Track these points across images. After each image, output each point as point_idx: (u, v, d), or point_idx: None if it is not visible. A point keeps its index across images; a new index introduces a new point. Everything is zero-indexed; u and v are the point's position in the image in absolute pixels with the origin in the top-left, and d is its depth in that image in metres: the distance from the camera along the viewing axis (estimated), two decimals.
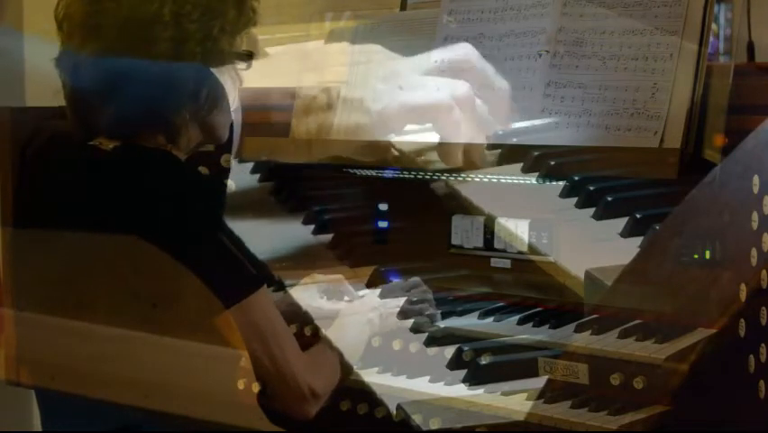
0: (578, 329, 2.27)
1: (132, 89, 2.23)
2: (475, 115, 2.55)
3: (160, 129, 2.24)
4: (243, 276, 2.25)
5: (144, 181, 2.24)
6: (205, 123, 2.29)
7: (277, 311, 2.25)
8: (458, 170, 2.59)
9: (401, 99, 2.59)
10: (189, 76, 2.24)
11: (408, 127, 2.62)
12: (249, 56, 2.33)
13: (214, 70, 2.28)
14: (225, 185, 2.53)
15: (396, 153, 2.65)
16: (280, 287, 2.76)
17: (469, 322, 2.46)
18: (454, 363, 2.39)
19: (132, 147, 2.24)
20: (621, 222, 2.36)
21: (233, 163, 2.78)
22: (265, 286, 2.25)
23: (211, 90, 2.27)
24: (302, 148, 2.80)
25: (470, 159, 2.56)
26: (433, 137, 2.59)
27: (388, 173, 2.68)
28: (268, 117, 2.71)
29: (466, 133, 2.55)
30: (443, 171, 2.60)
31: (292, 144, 2.81)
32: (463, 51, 2.59)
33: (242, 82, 2.36)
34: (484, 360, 2.34)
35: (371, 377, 2.43)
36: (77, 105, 2.27)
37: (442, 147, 2.57)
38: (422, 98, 2.57)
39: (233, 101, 2.37)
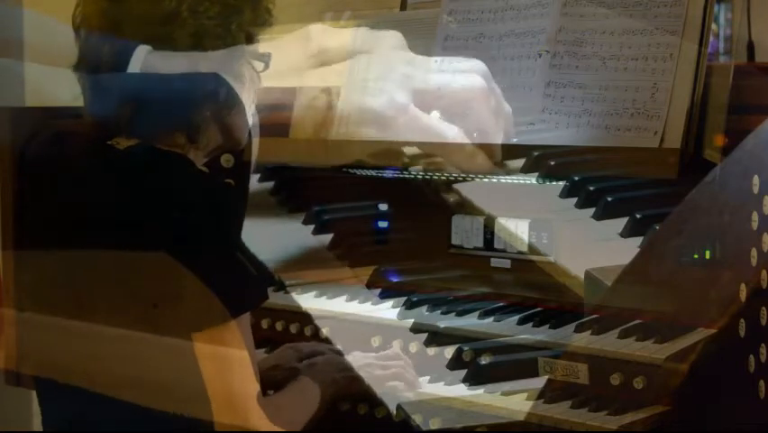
0: (578, 329, 2.27)
1: (152, 89, 2.22)
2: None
3: (180, 128, 2.24)
4: (248, 287, 2.24)
5: (150, 183, 2.23)
6: (225, 123, 2.28)
7: (252, 340, 2.23)
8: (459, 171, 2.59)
9: (438, 81, 2.57)
10: (209, 75, 2.24)
11: (435, 114, 2.61)
12: (267, 56, 2.32)
13: (233, 70, 2.28)
14: (238, 193, 2.52)
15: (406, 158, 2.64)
16: (280, 287, 2.76)
17: (469, 322, 2.46)
18: (454, 363, 2.39)
19: (142, 148, 2.24)
20: (621, 222, 2.37)
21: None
22: (248, 314, 2.23)
23: (230, 89, 2.26)
24: (302, 148, 2.80)
25: (489, 160, 2.56)
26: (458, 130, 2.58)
27: (388, 173, 2.69)
28: (268, 117, 2.71)
29: (494, 127, 2.54)
30: (442, 171, 2.60)
31: (292, 144, 2.81)
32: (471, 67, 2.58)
33: (260, 83, 2.35)
34: (484, 360, 2.34)
35: None
36: (97, 110, 2.26)
37: (455, 148, 2.57)
38: (459, 84, 2.55)
39: (252, 103, 2.35)
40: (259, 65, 2.32)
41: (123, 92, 2.23)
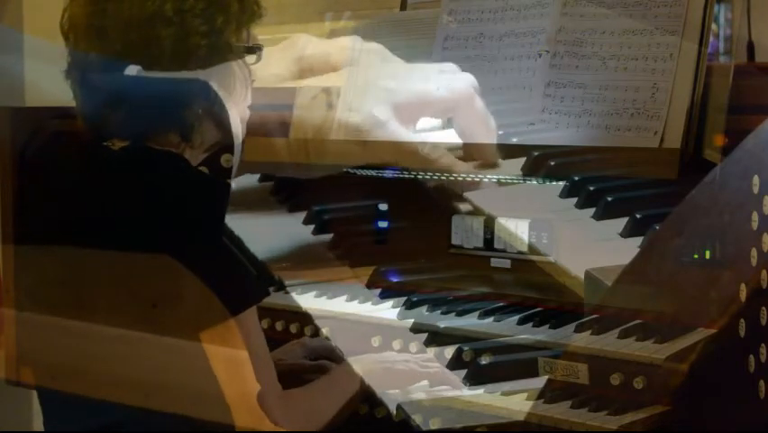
0: (578, 329, 2.27)
1: (142, 90, 2.22)
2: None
3: (171, 128, 2.24)
4: (247, 285, 2.24)
5: (147, 182, 2.23)
6: (219, 119, 2.28)
7: (262, 335, 2.22)
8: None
9: (421, 91, 2.58)
10: (195, 71, 2.23)
11: (424, 122, 2.61)
12: (257, 49, 2.31)
13: (223, 66, 2.27)
14: (229, 189, 2.52)
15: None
16: (280, 287, 2.76)
17: (469, 322, 2.46)
18: (454, 363, 2.39)
19: (138, 147, 2.24)
20: (621, 222, 2.37)
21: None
22: (255, 308, 2.23)
23: (220, 84, 2.26)
24: (302, 148, 2.80)
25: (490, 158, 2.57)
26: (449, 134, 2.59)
27: (388, 173, 2.69)
28: (268, 117, 2.71)
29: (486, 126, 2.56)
30: (443, 172, 2.60)
31: (292, 144, 2.81)
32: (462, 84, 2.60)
33: (253, 78, 2.34)
34: (484, 360, 2.34)
35: None
36: (89, 112, 2.26)
37: (469, 147, 2.58)
38: (444, 90, 2.56)
39: (246, 97, 2.35)
40: (251, 58, 2.31)
41: (112, 96, 2.23)
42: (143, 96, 2.23)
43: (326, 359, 2.51)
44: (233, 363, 2.18)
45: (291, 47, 2.76)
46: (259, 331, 2.22)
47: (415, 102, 2.59)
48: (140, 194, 2.22)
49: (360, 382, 2.35)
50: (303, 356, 2.51)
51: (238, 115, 2.32)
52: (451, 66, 2.63)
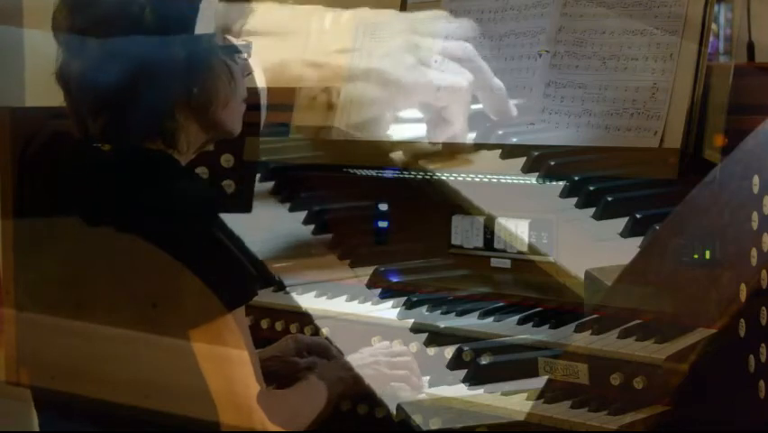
0: (578, 329, 2.27)
1: (119, 97, 2.21)
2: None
3: (157, 130, 2.23)
4: (241, 281, 2.24)
5: (140, 182, 2.23)
6: (207, 120, 2.27)
7: (248, 333, 2.22)
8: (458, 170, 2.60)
9: (429, 76, 2.58)
10: (175, 78, 2.23)
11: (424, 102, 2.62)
12: (244, 49, 2.30)
13: (209, 66, 2.26)
14: (222, 187, 2.52)
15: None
16: (280, 287, 2.76)
17: (469, 322, 2.46)
18: (454, 363, 2.39)
19: (129, 148, 2.24)
20: (621, 222, 2.37)
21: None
22: (243, 308, 2.23)
23: (202, 88, 2.25)
24: (302, 148, 2.81)
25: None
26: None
27: (388, 173, 2.69)
28: (268, 117, 2.71)
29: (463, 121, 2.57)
30: (443, 171, 2.60)
31: (292, 144, 2.81)
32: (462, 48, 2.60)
33: (248, 71, 2.33)
34: (484, 360, 2.34)
35: None
36: (74, 116, 2.27)
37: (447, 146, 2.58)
38: (447, 80, 2.57)
39: (242, 90, 2.33)
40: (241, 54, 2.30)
41: (94, 103, 2.23)
42: (120, 105, 2.22)
43: (319, 355, 2.51)
44: (221, 360, 2.18)
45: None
46: (245, 328, 2.22)
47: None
48: (133, 193, 2.22)
49: (342, 386, 2.36)
50: (295, 351, 2.51)
51: (230, 111, 2.31)
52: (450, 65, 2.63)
